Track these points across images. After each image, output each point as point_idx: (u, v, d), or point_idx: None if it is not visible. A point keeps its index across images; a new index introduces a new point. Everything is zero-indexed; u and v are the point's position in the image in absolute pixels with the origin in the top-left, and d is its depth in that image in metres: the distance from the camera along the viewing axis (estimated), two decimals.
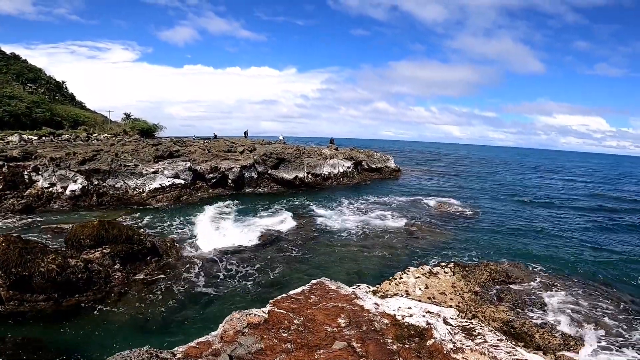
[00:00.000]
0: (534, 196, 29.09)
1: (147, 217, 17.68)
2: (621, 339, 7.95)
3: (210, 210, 19.06)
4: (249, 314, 5.74)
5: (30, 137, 30.29)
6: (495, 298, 9.30)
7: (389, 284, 8.69)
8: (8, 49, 53.05)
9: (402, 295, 7.87)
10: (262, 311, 5.97)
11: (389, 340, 5.40)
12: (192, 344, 5.05)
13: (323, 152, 31.60)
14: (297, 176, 27.45)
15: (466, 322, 6.33)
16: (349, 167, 32.04)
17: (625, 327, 8.46)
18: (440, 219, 19.79)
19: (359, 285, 8.09)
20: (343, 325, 5.71)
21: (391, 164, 37.45)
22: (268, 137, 46.74)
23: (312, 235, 16.00)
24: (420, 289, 8.68)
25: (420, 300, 7.62)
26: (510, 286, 10.15)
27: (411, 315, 6.31)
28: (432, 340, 5.42)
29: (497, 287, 9.95)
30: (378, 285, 8.53)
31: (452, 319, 6.35)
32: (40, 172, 19.53)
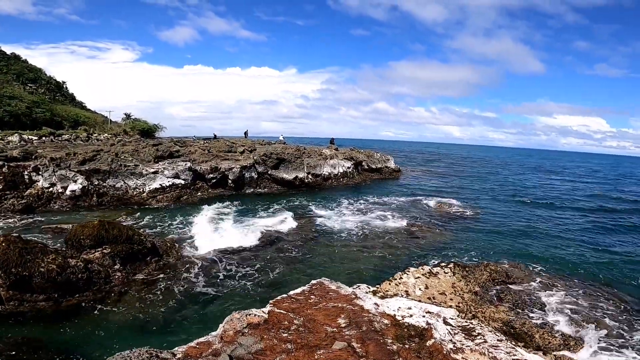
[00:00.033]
0: (534, 196, 29.09)
1: (147, 217, 17.69)
2: (621, 339, 7.95)
3: (210, 210, 19.07)
4: (249, 314, 5.74)
5: (30, 137, 30.32)
6: (495, 298, 9.30)
7: (389, 284, 8.69)
8: (8, 49, 53.20)
9: (402, 296, 7.87)
10: (262, 311, 5.97)
11: (389, 341, 5.40)
12: (192, 344, 5.05)
13: (323, 152, 31.61)
14: (297, 176, 27.46)
15: (466, 322, 6.33)
16: (349, 168, 32.04)
17: (625, 327, 8.46)
18: (440, 219, 19.79)
19: (359, 286, 8.09)
20: (343, 325, 5.71)
21: (391, 164, 37.46)
22: (268, 138, 46.80)
23: (312, 236, 16.00)
24: (420, 289, 8.67)
25: (420, 301, 7.62)
26: (510, 286, 10.15)
27: (411, 316, 6.31)
28: (432, 340, 5.42)
29: (497, 287, 9.94)
30: (378, 286, 8.53)
31: (452, 319, 6.35)
32: (40, 172, 19.54)
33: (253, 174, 26.25)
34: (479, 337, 5.69)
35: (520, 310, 8.77)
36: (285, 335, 5.28)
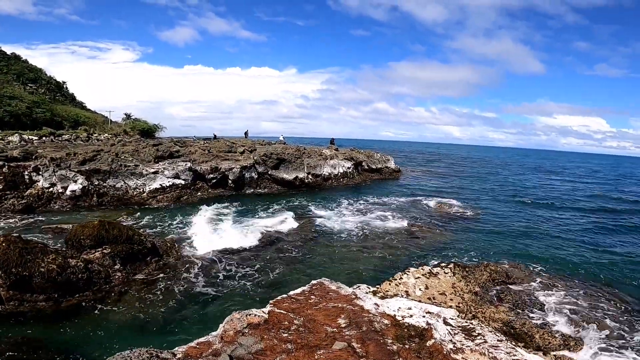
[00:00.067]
0: (535, 197, 29.08)
1: (147, 217, 17.69)
2: (622, 340, 7.94)
3: (210, 210, 19.07)
4: (249, 314, 5.74)
5: (30, 137, 30.34)
6: (495, 298, 9.29)
7: (389, 284, 8.69)
8: (9, 49, 53.29)
9: (402, 296, 7.87)
10: (262, 311, 5.97)
11: (389, 341, 5.40)
12: (193, 344, 5.05)
13: (323, 152, 31.61)
14: (297, 177, 27.46)
15: (466, 322, 6.33)
16: (349, 168, 32.05)
17: (626, 328, 8.45)
18: (440, 219, 19.79)
19: (359, 286, 8.08)
20: (343, 325, 5.71)
21: (391, 164, 37.46)
22: (268, 138, 46.81)
23: (312, 236, 16.00)
24: (420, 289, 8.67)
25: (420, 301, 7.62)
26: (511, 287, 10.14)
27: (411, 316, 6.31)
28: (432, 340, 5.42)
29: (497, 287, 9.94)
30: (378, 286, 8.53)
31: (452, 319, 6.35)
32: (40, 172, 19.55)
33: (253, 174, 26.25)
34: (479, 338, 5.69)
35: (520, 311, 8.77)
36: (286, 335, 5.28)
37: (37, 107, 38.64)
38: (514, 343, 5.91)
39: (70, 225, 13.90)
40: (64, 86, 56.33)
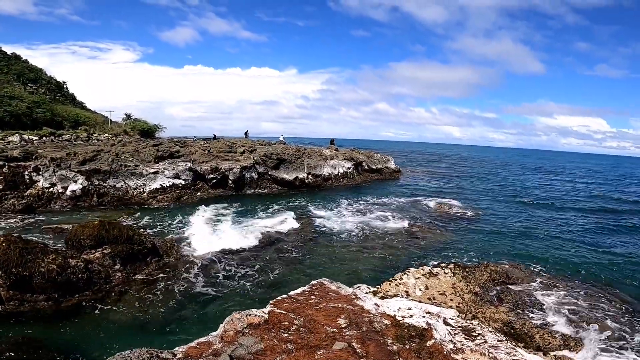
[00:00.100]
0: (535, 197, 29.08)
1: (148, 217, 17.69)
2: (622, 341, 7.94)
3: (210, 210, 19.07)
4: (250, 315, 5.74)
5: (30, 137, 30.33)
6: (495, 299, 9.29)
7: (389, 284, 8.68)
8: (9, 49, 53.31)
9: (402, 296, 7.86)
10: (263, 311, 5.97)
11: (389, 341, 5.40)
12: (193, 344, 5.05)
13: (323, 152, 31.61)
14: (297, 177, 27.46)
15: (466, 322, 6.33)
16: (349, 168, 32.05)
17: (626, 329, 8.45)
18: (440, 219, 19.78)
19: (359, 286, 8.08)
20: (343, 325, 5.71)
21: (391, 164, 37.46)
22: (268, 138, 46.78)
23: (312, 236, 16.00)
24: (420, 289, 8.67)
25: (420, 301, 7.62)
26: (511, 287, 10.14)
27: (411, 316, 6.31)
28: (433, 340, 5.42)
29: (498, 287, 9.94)
30: (378, 286, 8.53)
31: (452, 319, 6.35)
32: (40, 173, 19.55)
33: (253, 174, 26.25)
34: (479, 338, 5.68)
35: (520, 311, 8.76)
36: (286, 335, 5.28)
37: (37, 107, 38.64)
38: (514, 343, 5.91)
39: (71, 226, 13.90)
40: (64, 86, 56.35)
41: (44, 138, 31.70)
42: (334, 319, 5.89)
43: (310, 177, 28.40)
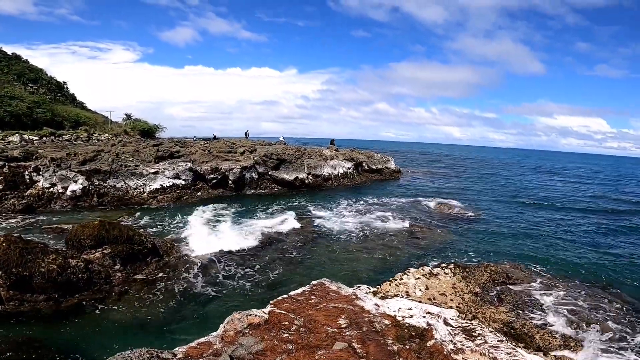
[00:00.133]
0: (535, 197, 29.06)
1: (148, 217, 17.70)
2: (623, 342, 7.93)
3: (210, 211, 19.08)
4: (250, 315, 5.74)
5: (31, 137, 30.33)
6: (495, 299, 9.28)
7: (389, 284, 8.68)
8: (9, 49, 53.35)
9: (402, 296, 7.86)
10: (263, 312, 5.97)
11: (390, 341, 5.39)
12: (193, 344, 5.05)
13: (323, 153, 31.61)
14: (297, 177, 27.47)
15: (466, 323, 6.33)
16: (349, 168, 32.04)
17: (627, 329, 8.43)
18: (440, 220, 19.78)
19: (359, 286, 8.08)
20: (343, 325, 5.71)
21: (391, 165, 37.46)
22: (269, 138, 46.79)
23: (313, 237, 16.00)
24: (420, 289, 8.66)
25: (420, 301, 7.61)
26: (511, 287, 10.13)
27: (412, 316, 6.31)
28: (433, 341, 5.41)
29: (498, 288, 9.92)
30: (378, 286, 8.52)
31: (452, 319, 6.35)
32: (41, 173, 19.55)
33: (253, 174, 26.25)
34: (479, 338, 5.68)
35: (520, 311, 8.76)
36: (286, 335, 5.27)
37: (37, 107, 38.65)
38: (514, 343, 5.90)
39: (71, 226, 13.91)
40: (65, 86, 56.36)
41: (44, 138, 31.71)
42: (335, 319, 5.89)
43: (310, 177, 28.40)
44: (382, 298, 7.35)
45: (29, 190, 18.89)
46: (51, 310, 8.83)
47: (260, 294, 10.24)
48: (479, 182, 38.33)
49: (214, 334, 5.37)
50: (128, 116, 52.99)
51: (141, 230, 14.15)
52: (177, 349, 4.90)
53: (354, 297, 6.91)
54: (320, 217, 19.09)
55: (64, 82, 56.42)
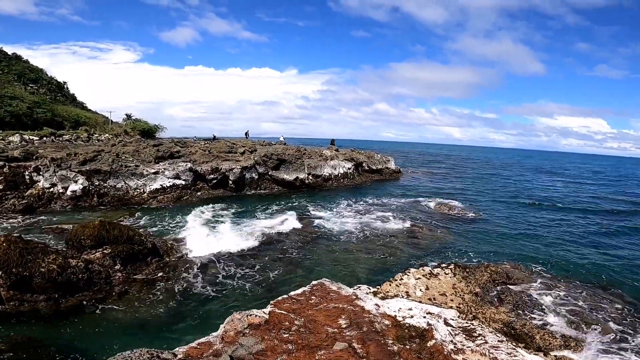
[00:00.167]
0: (535, 198, 29.05)
1: (148, 217, 17.70)
2: (623, 342, 7.92)
3: (210, 211, 19.08)
4: (250, 315, 5.73)
5: (31, 137, 30.36)
6: (495, 299, 9.28)
7: (390, 285, 8.68)
8: (10, 50, 53.48)
9: (402, 297, 7.86)
10: (263, 312, 5.97)
11: (390, 341, 5.39)
12: (193, 344, 5.05)
13: (324, 153, 31.61)
14: (297, 177, 27.46)
15: (467, 323, 6.33)
16: (349, 169, 32.04)
17: (628, 330, 8.43)
18: (440, 220, 19.77)
19: (359, 287, 8.08)
20: (344, 326, 5.70)
21: (392, 165, 37.46)
22: (269, 138, 46.77)
23: (313, 237, 16.00)
24: (420, 290, 8.66)
25: (420, 302, 7.61)
26: (511, 287, 10.12)
27: (412, 316, 6.30)
28: (433, 341, 5.41)
29: (498, 288, 9.92)
30: (378, 287, 8.52)
31: (452, 320, 6.34)
32: (41, 173, 19.56)
33: (254, 174, 26.26)
34: (479, 338, 5.68)
35: (521, 311, 8.75)
36: (286, 335, 5.27)
37: (37, 107, 38.71)
38: (514, 344, 5.90)
39: (71, 226, 13.91)
40: (65, 86, 56.47)
41: (44, 138, 31.75)
42: (335, 320, 5.88)
43: (310, 177, 28.40)
44: (383, 298, 7.35)
45: (29, 191, 18.90)
46: (51, 310, 8.82)
47: (261, 294, 10.24)
48: (479, 182, 38.32)
49: (214, 334, 5.37)
50: (128, 116, 53.04)
51: (141, 230, 14.14)
52: (177, 349, 4.90)
53: (354, 297, 6.90)
54: (320, 218, 19.08)
55: (64, 82, 56.57)
